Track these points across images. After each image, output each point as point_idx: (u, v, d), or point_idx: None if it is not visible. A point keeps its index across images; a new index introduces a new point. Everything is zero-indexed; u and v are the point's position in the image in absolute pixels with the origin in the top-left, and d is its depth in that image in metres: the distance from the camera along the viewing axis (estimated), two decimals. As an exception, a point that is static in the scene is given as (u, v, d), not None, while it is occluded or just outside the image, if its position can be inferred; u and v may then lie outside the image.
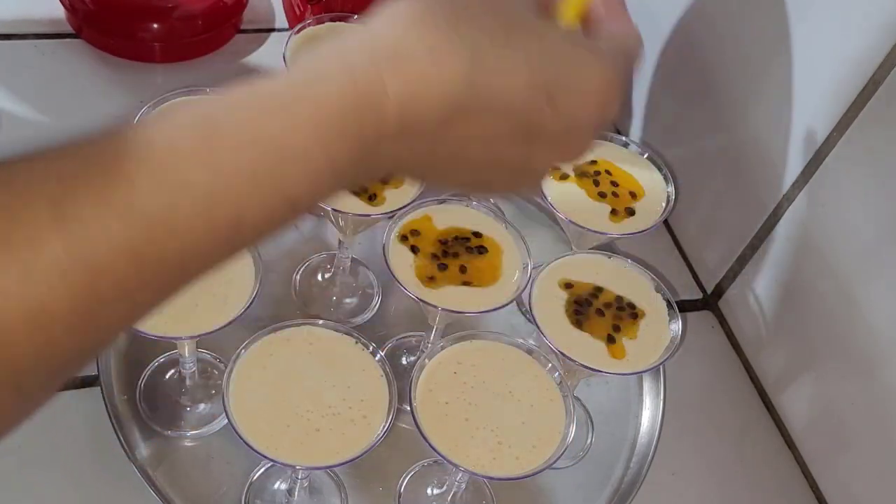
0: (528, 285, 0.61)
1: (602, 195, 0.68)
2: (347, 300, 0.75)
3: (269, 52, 0.93)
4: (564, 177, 0.69)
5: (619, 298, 0.62)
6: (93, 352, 0.32)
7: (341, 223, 0.65)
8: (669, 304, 0.62)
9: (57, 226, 0.27)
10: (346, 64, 0.32)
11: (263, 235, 0.33)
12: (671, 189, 0.69)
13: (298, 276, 0.75)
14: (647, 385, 0.73)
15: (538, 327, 0.59)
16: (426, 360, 0.57)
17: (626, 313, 0.62)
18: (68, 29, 0.90)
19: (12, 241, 0.26)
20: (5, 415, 0.29)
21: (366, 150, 0.33)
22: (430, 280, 0.60)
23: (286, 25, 0.95)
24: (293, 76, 0.33)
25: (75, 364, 0.31)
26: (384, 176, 0.38)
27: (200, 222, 0.30)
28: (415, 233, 0.62)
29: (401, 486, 0.65)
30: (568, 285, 0.63)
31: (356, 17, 0.74)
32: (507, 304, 0.60)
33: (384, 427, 0.52)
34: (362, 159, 0.33)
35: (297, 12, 0.91)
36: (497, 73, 0.34)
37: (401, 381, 0.65)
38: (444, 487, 0.65)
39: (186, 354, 0.63)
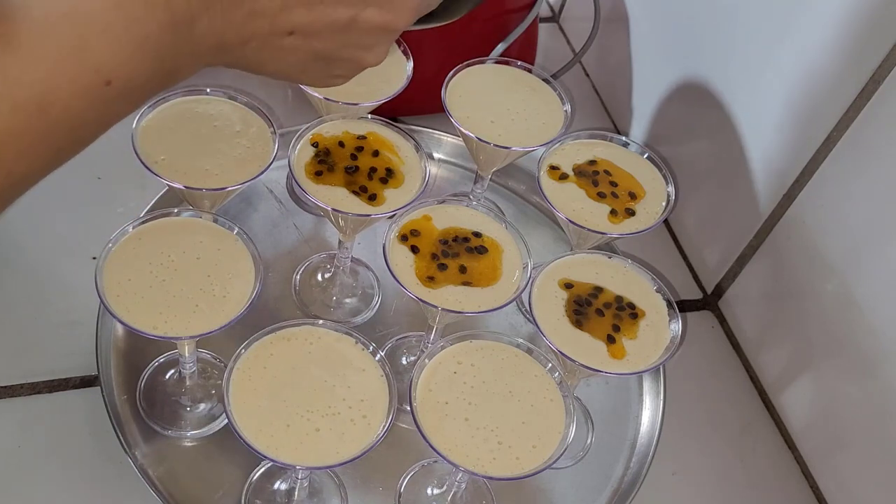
0: (528, 285, 0.61)
1: (601, 195, 0.68)
2: (347, 300, 0.75)
3: (269, 52, 0.93)
4: (564, 177, 0.69)
5: (619, 298, 0.62)
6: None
7: (341, 223, 0.66)
8: (669, 304, 0.62)
9: None
10: None
11: (90, 113, 0.32)
12: (671, 189, 0.69)
13: (298, 276, 0.76)
14: (647, 385, 0.73)
15: (538, 327, 0.59)
16: (426, 360, 0.57)
17: (626, 313, 0.62)
18: (68, 29, 0.89)
19: None
20: None
21: (178, 23, 0.32)
22: (429, 280, 0.60)
23: (286, 25, 0.95)
24: None
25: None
26: (212, 63, 0.36)
27: (22, 101, 0.30)
28: (415, 233, 0.62)
29: (401, 486, 0.65)
30: (568, 285, 0.63)
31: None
32: (507, 304, 0.60)
33: (384, 427, 0.52)
34: (177, 33, 0.33)
35: (297, 12, 0.91)
36: None
37: (401, 381, 0.66)
38: (444, 487, 0.65)
39: (186, 354, 0.63)
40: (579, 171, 0.70)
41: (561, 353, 0.58)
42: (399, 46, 0.73)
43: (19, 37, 0.29)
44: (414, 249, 0.61)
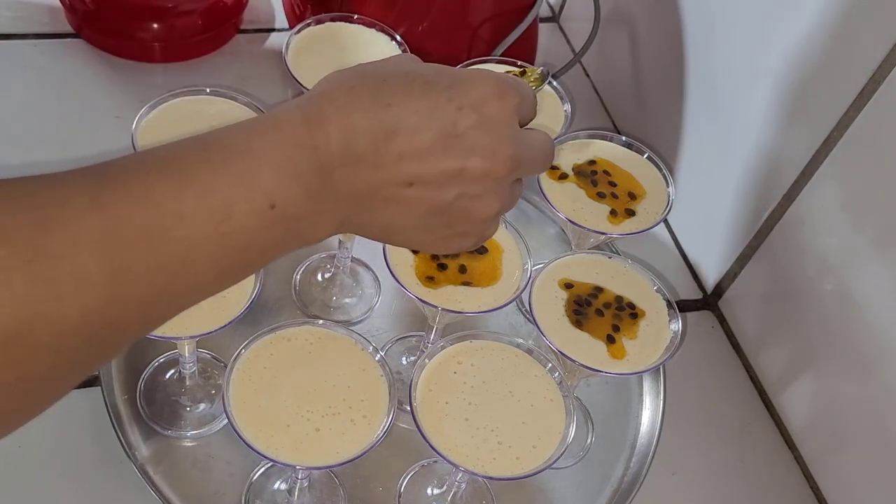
0: (528, 285, 0.61)
1: (601, 195, 0.68)
2: (347, 300, 0.75)
3: (269, 52, 0.93)
4: (564, 177, 0.69)
5: (618, 298, 0.62)
6: (118, 338, 0.37)
7: (341, 223, 0.65)
8: (669, 304, 0.62)
9: (94, 206, 0.34)
10: (298, 107, 0.41)
11: (253, 231, 0.38)
12: (671, 189, 0.69)
13: (298, 276, 0.76)
14: (647, 385, 0.73)
15: (538, 327, 0.59)
16: (426, 360, 0.57)
17: (625, 313, 0.62)
18: (68, 29, 0.90)
19: (66, 214, 0.33)
20: (41, 378, 0.35)
21: (322, 167, 0.40)
22: (429, 280, 0.60)
23: (286, 25, 0.95)
24: (253, 119, 0.42)
25: (106, 346, 0.36)
26: (349, 218, 0.44)
27: (200, 208, 0.36)
28: (415, 233, 0.62)
29: (401, 486, 0.65)
30: (568, 285, 0.63)
31: (356, 16, 0.74)
32: (507, 304, 0.60)
33: (384, 427, 0.52)
34: (322, 176, 0.40)
35: (297, 12, 0.91)
36: (404, 92, 0.43)
37: (401, 381, 0.66)
38: (444, 487, 0.65)
39: (186, 354, 0.63)
40: (579, 171, 0.70)
41: (561, 353, 0.58)
42: (400, 47, 0.73)
43: (210, 159, 0.37)
44: (414, 249, 0.61)
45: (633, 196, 0.69)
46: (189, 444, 0.64)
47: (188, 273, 0.37)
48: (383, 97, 0.42)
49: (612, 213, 0.67)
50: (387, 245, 0.61)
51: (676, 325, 0.61)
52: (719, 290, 0.81)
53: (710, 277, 0.82)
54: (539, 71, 0.67)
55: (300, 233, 0.41)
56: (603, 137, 0.72)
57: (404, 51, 0.72)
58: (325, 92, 0.42)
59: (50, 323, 0.32)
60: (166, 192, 0.36)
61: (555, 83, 0.74)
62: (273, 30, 0.96)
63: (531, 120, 0.48)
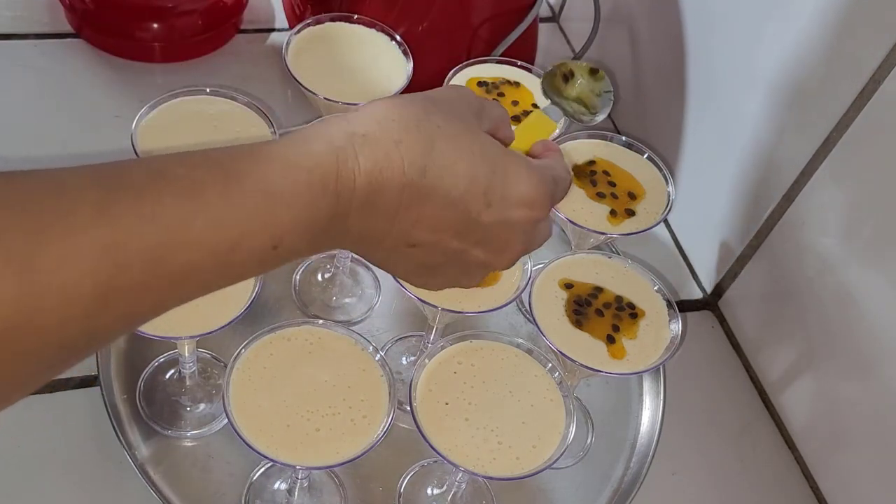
0: (528, 285, 0.61)
1: (601, 195, 0.68)
2: (347, 300, 0.75)
3: (269, 52, 0.93)
4: (564, 177, 0.69)
5: (618, 298, 0.62)
6: (97, 344, 0.36)
7: (341, 223, 0.65)
8: (669, 304, 0.62)
9: (98, 220, 0.33)
10: (330, 144, 0.40)
11: (249, 266, 0.39)
12: (671, 189, 0.69)
13: (298, 276, 0.76)
14: (647, 385, 0.73)
15: (538, 327, 0.59)
16: (426, 360, 0.57)
17: (625, 313, 0.62)
18: (68, 28, 0.90)
19: (66, 225, 0.32)
20: (22, 381, 0.34)
21: (337, 214, 0.40)
22: (430, 280, 0.60)
23: (286, 25, 0.95)
24: (285, 146, 0.40)
25: (83, 350, 0.35)
26: (346, 248, 0.45)
27: (208, 238, 0.36)
28: (415, 233, 0.62)
29: (401, 486, 0.65)
30: (568, 285, 0.63)
31: (356, 16, 0.74)
32: (507, 304, 0.60)
33: (384, 427, 0.52)
34: (334, 221, 0.40)
35: (297, 12, 0.91)
36: (446, 168, 0.42)
37: (401, 381, 0.66)
38: (444, 487, 0.65)
39: (186, 354, 0.63)
40: (578, 171, 0.70)
41: (561, 353, 0.58)
42: (399, 47, 0.73)
43: (230, 191, 0.37)
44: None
45: (632, 196, 0.69)
46: (189, 444, 0.64)
47: (178, 293, 0.37)
48: (425, 162, 0.41)
49: (612, 213, 0.67)
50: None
51: (676, 325, 0.61)
52: (719, 290, 0.81)
53: (710, 277, 0.82)
54: (585, 66, 0.64)
55: (292, 259, 0.41)
56: (603, 137, 0.72)
57: (404, 51, 0.72)
58: (369, 135, 0.41)
59: (27, 332, 0.32)
60: (177, 216, 0.35)
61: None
62: (273, 30, 0.96)
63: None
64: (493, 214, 0.44)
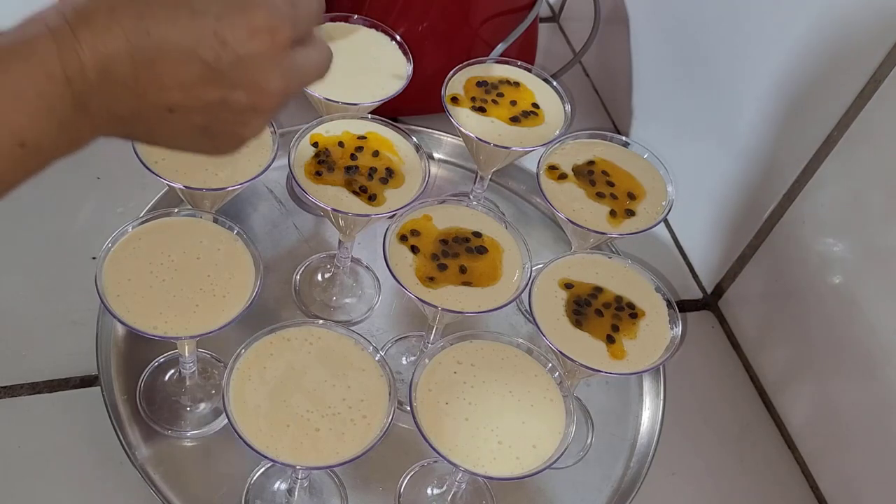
0: (528, 285, 0.61)
1: (600, 195, 0.68)
2: (347, 300, 0.75)
3: (269, 52, 0.93)
4: (563, 177, 0.69)
5: (618, 298, 0.62)
6: None
7: (341, 223, 0.66)
8: (669, 304, 0.62)
9: None
10: (44, 27, 0.39)
11: (6, 169, 0.38)
12: (671, 189, 0.69)
13: (298, 276, 0.76)
14: (647, 385, 0.73)
15: (538, 327, 0.59)
16: (426, 360, 0.57)
17: (625, 313, 0.62)
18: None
19: None
20: None
21: (78, 99, 0.39)
22: (429, 280, 0.60)
23: (286, 25, 0.95)
24: (6, 38, 0.39)
25: None
26: (111, 133, 0.44)
27: None
28: (415, 233, 0.62)
29: (401, 486, 0.65)
30: (568, 285, 0.63)
31: (356, 16, 0.74)
32: (507, 304, 0.60)
33: (384, 427, 0.52)
34: (77, 107, 0.39)
35: (297, 12, 0.90)
36: (168, 20, 0.41)
37: (401, 381, 0.66)
38: (444, 487, 0.65)
39: (186, 354, 0.63)
40: (578, 172, 0.70)
41: (561, 353, 0.58)
42: (400, 47, 0.73)
43: None
44: (414, 249, 0.61)
45: (632, 196, 0.69)
46: (189, 444, 0.64)
47: None
48: (144, 23, 0.40)
49: (612, 213, 0.67)
50: (387, 245, 0.61)
51: (676, 325, 0.61)
52: (719, 290, 0.81)
53: (710, 277, 0.82)
54: None
55: (57, 156, 0.40)
56: (603, 137, 0.72)
57: (404, 51, 0.72)
58: (81, 10, 0.40)
59: None
60: None
61: (554, 83, 0.74)
62: (273, 30, 0.95)
63: (316, 24, 0.47)
64: (232, 52, 0.42)
